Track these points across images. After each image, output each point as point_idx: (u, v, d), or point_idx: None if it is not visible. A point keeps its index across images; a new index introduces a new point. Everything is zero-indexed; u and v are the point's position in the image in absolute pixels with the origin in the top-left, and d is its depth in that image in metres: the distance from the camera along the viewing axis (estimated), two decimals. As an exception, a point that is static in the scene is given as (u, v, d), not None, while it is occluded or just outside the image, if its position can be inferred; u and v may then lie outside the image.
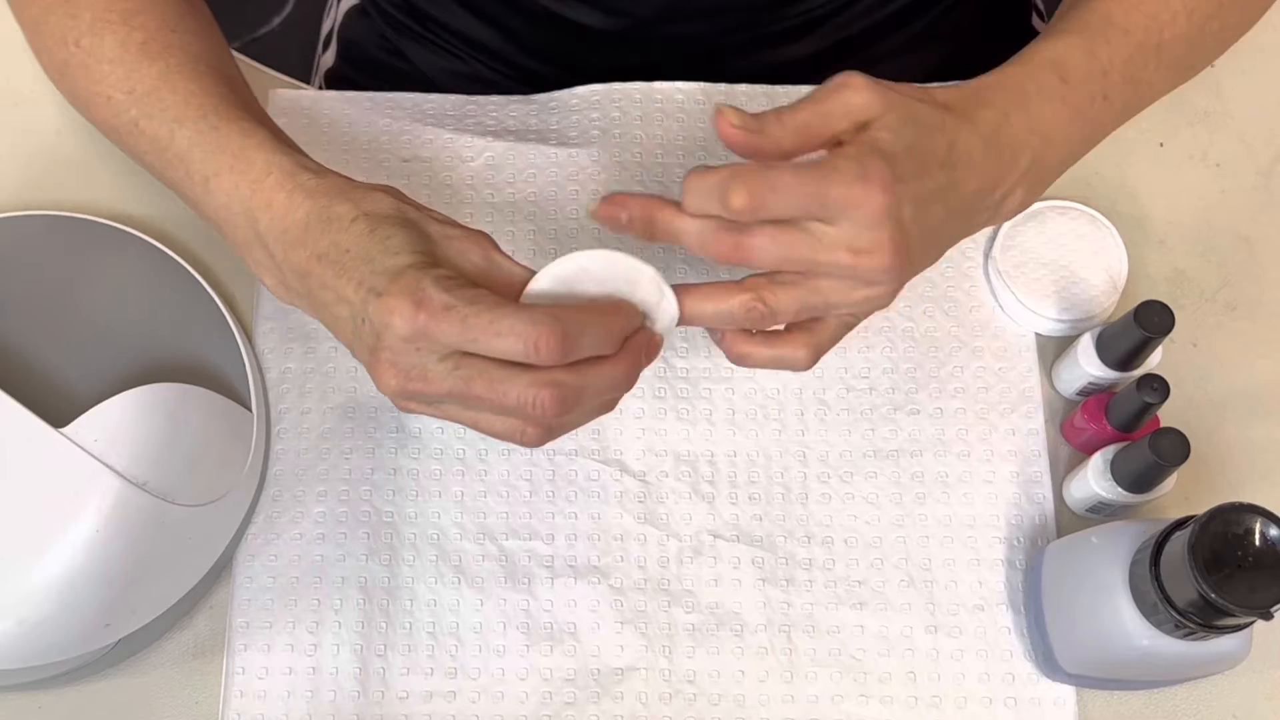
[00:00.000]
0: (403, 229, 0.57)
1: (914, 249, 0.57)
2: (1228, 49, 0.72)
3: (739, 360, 0.60)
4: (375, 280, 0.55)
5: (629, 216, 0.58)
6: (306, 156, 0.63)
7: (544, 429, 0.57)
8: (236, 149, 0.61)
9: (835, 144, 0.57)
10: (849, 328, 0.61)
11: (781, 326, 0.60)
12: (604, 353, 0.56)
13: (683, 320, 0.59)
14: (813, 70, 0.82)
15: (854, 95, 0.56)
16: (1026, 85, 0.62)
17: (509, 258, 0.59)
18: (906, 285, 0.74)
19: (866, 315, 0.60)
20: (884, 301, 0.58)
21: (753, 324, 0.58)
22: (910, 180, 0.56)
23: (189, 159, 0.63)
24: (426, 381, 0.55)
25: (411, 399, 0.56)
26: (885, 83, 0.57)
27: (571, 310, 0.56)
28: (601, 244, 0.74)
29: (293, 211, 0.59)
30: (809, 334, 0.60)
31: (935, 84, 0.61)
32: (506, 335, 0.53)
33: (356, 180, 0.61)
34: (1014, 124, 0.60)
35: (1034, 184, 0.62)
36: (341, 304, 0.57)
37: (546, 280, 0.58)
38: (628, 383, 0.58)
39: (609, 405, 0.60)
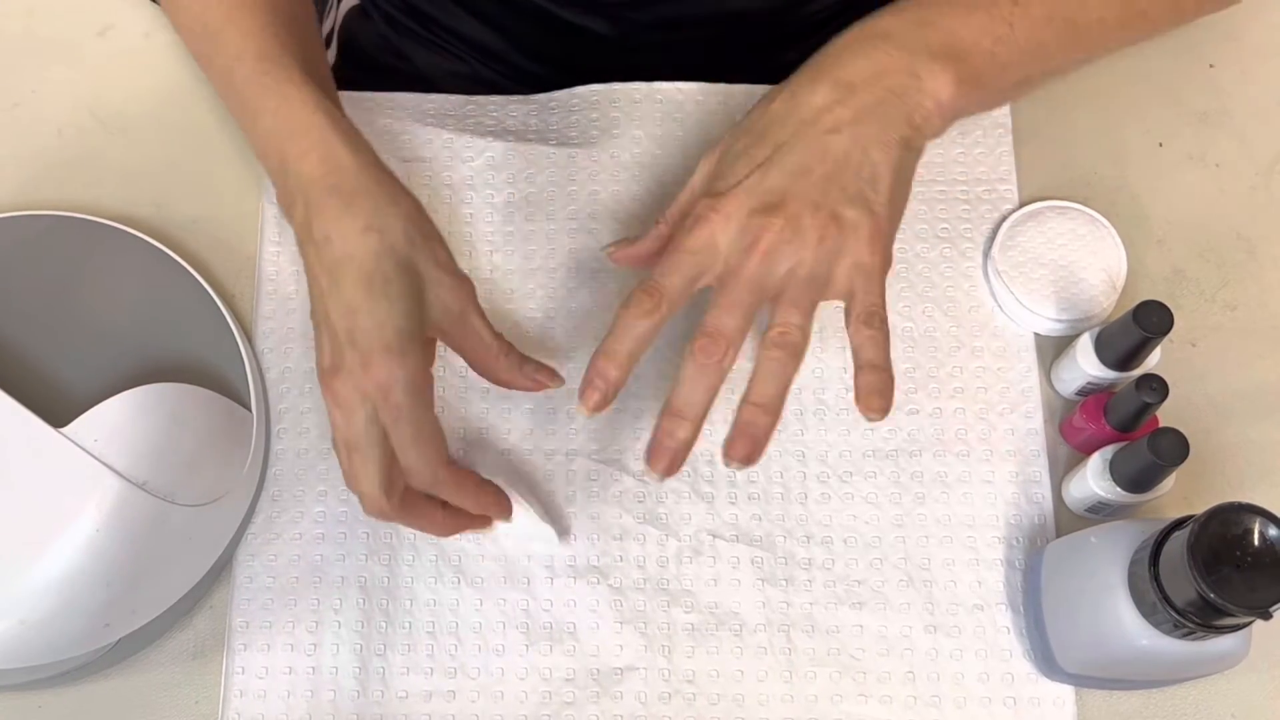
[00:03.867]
0: (396, 284, 0.61)
1: (793, 196, 0.61)
2: (1203, 9, 0.71)
3: None
4: (358, 335, 0.60)
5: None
6: (343, 115, 0.65)
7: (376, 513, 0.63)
8: (280, 97, 0.64)
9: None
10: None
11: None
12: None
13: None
14: None
15: (701, 164, 0.65)
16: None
17: (482, 317, 0.64)
18: (905, 284, 0.74)
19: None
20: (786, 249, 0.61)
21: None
22: (744, 174, 0.61)
23: (243, 95, 0.66)
24: (347, 411, 0.60)
25: (332, 402, 0.61)
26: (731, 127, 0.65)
27: (457, 482, 0.63)
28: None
29: (320, 182, 0.62)
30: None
31: None
32: (411, 456, 0.61)
33: (383, 181, 0.63)
34: (873, 24, 0.63)
35: (951, 61, 0.62)
36: (329, 297, 0.61)
37: None
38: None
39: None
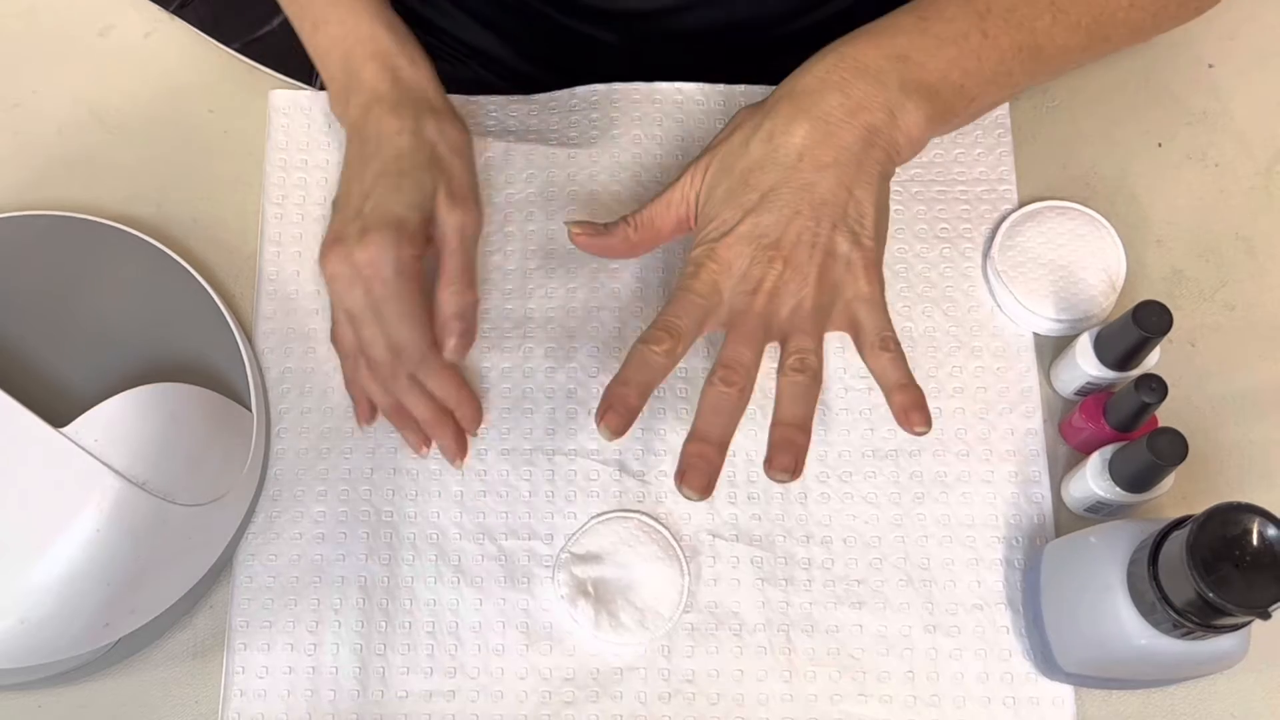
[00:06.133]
0: (410, 182, 0.68)
1: (788, 238, 0.63)
2: (1162, 28, 0.71)
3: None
4: (365, 213, 0.67)
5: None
6: (407, 34, 0.73)
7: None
8: (345, 8, 0.72)
9: (689, 225, 0.68)
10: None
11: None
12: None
13: None
14: None
15: (679, 185, 0.67)
16: (871, 26, 0.66)
17: (469, 257, 0.69)
18: (905, 284, 0.75)
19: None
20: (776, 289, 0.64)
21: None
22: (735, 220, 0.64)
23: (306, 4, 0.73)
24: (344, 286, 0.68)
25: (330, 281, 0.69)
26: (709, 149, 0.67)
27: (439, 357, 0.69)
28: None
29: (375, 88, 0.71)
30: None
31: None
32: (396, 330, 0.67)
33: (431, 99, 0.71)
34: (850, 55, 0.64)
35: (924, 99, 0.64)
36: (354, 182, 0.69)
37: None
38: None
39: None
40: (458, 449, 0.70)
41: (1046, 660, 0.66)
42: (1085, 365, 0.69)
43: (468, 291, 0.69)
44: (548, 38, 0.83)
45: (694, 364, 0.73)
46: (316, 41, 0.73)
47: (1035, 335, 0.74)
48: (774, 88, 0.78)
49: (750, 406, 0.72)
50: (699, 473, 0.60)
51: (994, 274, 0.74)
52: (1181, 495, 0.70)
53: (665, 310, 0.63)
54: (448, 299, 0.69)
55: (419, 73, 0.72)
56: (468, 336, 0.69)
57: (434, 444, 0.71)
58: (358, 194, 0.68)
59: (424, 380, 0.69)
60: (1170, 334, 0.65)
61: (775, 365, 0.73)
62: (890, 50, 0.65)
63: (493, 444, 0.72)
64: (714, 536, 0.70)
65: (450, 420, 0.71)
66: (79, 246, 0.72)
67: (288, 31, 0.74)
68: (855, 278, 0.63)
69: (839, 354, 0.73)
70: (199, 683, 0.68)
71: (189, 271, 0.72)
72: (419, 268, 0.67)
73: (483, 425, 0.72)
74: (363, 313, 0.68)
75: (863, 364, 0.72)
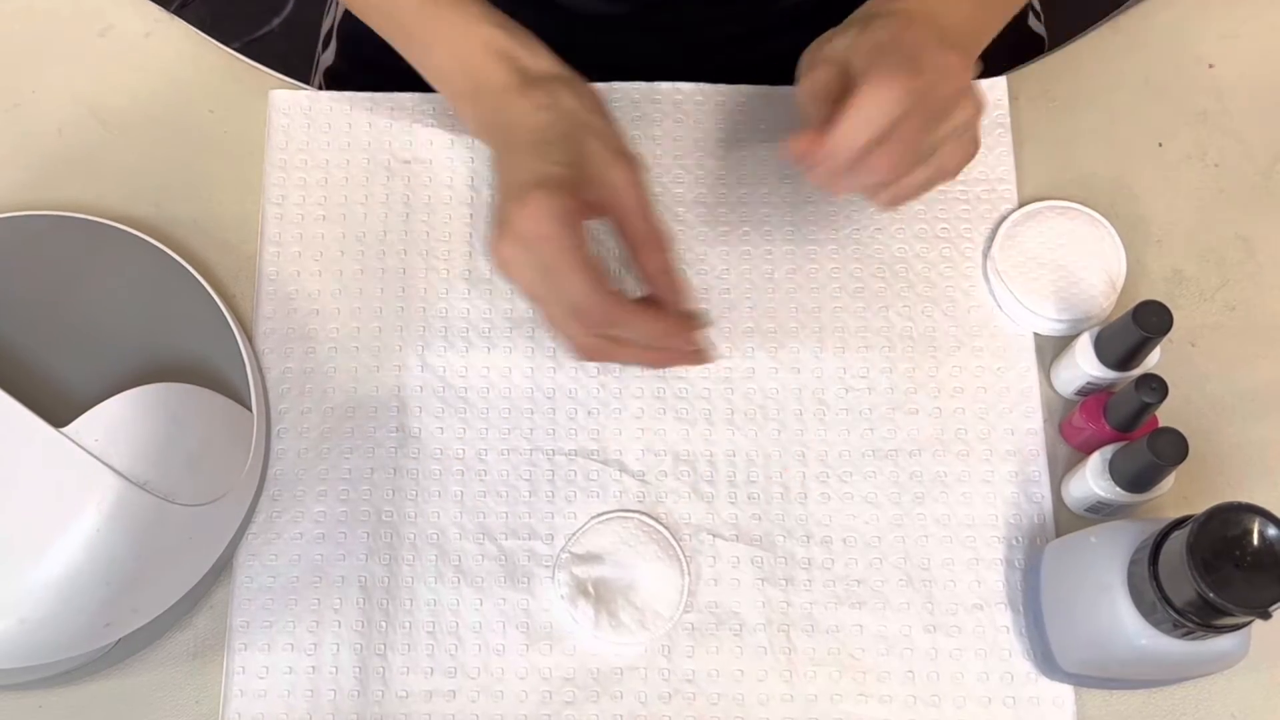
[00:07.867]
0: (558, 149, 0.66)
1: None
2: None
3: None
4: (517, 184, 0.65)
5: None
6: (517, 27, 0.71)
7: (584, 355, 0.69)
8: (449, 25, 0.70)
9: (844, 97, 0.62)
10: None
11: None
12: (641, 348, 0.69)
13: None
14: None
15: (829, 42, 0.64)
16: None
17: (644, 203, 0.67)
18: (905, 284, 0.74)
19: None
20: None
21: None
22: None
23: (411, 31, 0.72)
24: (518, 270, 0.65)
25: (505, 270, 0.66)
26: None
27: (627, 309, 0.66)
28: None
29: (503, 82, 0.69)
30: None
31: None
32: (573, 291, 0.64)
33: (556, 72, 0.69)
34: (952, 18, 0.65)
35: (955, 42, 0.65)
36: (504, 173, 0.67)
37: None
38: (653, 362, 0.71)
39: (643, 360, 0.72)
40: (702, 358, 0.71)
41: (1046, 660, 0.66)
42: (1085, 365, 0.69)
43: (661, 250, 0.68)
44: (546, 17, 0.83)
45: (696, 367, 0.73)
46: (432, 63, 0.72)
47: (1035, 335, 0.74)
48: (771, 87, 0.78)
49: (750, 407, 0.72)
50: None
51: (994, 274, 0.74)
52: (1182, 495, 0.70)
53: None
54: (647, 260, 0.68)
55: (539, 58, 0.70)
56: (682, 290, 0.69)
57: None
58: (507, 175, 0.67)
59: (621, 335, 0.67)
60: (1170, 334, 0.65)
61: (776, 377, 0.73)
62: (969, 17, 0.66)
63: (493, 444, 0.72)
64: (714, 536, 0.70)
65: (676, 352, 0.70)
66: (79, 246, 0.72)
67: (288, 31, 0.75)
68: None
69: (838, 354, 0.73)
70: (199, 683, 0.68)
71: (189, 271, 0.72)
72: (579, 220, 0.64)
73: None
74: (542, 290, 0.65)
75: (863, 364, 0.73)
